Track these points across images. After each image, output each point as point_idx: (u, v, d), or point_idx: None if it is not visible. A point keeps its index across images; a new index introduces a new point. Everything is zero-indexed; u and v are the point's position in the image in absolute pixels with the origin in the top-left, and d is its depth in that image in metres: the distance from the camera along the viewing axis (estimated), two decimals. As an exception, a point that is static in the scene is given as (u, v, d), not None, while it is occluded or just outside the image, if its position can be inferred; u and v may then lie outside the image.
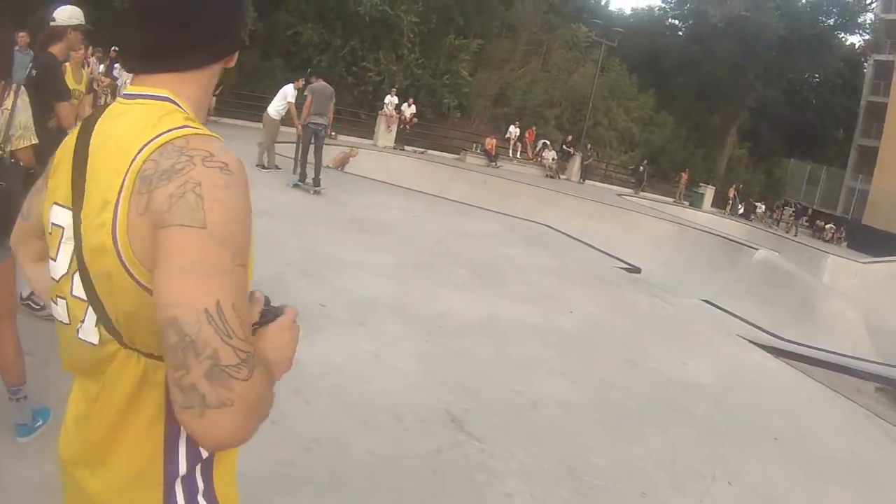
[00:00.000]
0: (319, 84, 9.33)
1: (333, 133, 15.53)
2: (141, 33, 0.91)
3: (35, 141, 2.55)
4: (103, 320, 0.87)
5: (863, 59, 37.79)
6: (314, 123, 9.09)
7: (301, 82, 10.42)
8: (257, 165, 10.16)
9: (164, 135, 0.83)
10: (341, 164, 13.54)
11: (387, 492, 2.73)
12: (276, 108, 10.17)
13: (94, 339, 0.89)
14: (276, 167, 10.42)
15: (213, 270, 0.77)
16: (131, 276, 0.82)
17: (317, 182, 9.21)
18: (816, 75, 37.40)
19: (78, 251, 0.87)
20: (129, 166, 0.82)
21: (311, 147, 9.22)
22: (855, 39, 36.78)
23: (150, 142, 0.82)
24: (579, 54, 28.76)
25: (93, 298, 0.87)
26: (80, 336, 0.90)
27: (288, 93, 10.20)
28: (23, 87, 2.55)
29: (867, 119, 35.86)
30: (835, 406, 5.49)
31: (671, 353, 5.63)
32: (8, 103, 2.45)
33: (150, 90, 0.90)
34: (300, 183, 9.42)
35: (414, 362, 4.09)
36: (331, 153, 12.76)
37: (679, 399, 4.59)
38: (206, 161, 0.81)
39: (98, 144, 0.88)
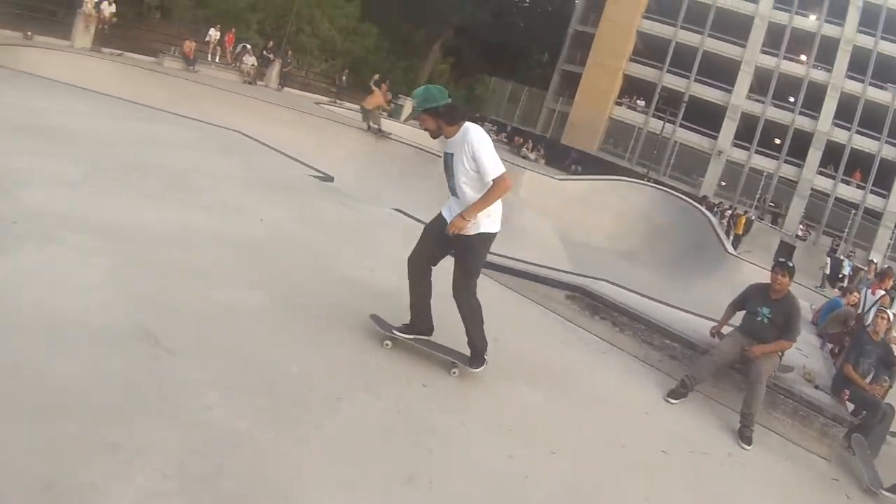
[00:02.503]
0: None
1: (30, 33, 15.14)
2: None
3: None
4: None
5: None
6: None
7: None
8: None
9: None
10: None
11: (79, 413, 2.52)
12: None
13: None
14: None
15: None
16: None
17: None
18: (526, 1, 39.48)
19: None
20: None
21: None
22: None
23: None
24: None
25: None
26: None
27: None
28: None
29: (573, 47, 39.78)
30: (527, 312, 5.89)
31: (359, 260, 5.67)
32: None
33: None
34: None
35: (104, 277, 3.73)
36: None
37: (367, 304, 4.59)
38: None
39: None
